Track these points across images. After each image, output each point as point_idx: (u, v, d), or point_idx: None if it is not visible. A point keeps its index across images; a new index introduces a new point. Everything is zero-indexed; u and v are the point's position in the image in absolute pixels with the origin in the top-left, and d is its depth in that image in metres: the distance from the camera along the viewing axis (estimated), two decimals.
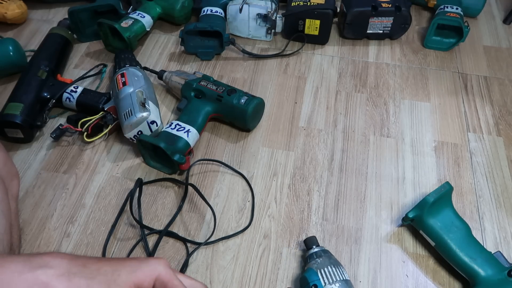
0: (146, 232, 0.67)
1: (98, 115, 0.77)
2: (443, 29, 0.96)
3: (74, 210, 0.70)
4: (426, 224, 0.62)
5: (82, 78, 0.87)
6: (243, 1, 0.92)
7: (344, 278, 0.55)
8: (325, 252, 0.58)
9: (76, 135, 0.80)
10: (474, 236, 0.62)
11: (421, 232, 0.64)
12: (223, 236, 0.66)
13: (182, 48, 0.96)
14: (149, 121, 0.72)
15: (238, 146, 0.79)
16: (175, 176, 0.74)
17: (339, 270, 0.55)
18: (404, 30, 0.97)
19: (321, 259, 0.57)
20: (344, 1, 0.96)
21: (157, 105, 0.78)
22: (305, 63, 0.94)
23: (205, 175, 0.74)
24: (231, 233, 0.67)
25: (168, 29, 1.02)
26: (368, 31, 0.96)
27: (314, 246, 0.60)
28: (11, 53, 0.85)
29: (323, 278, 0.54)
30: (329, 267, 0.55)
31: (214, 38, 0.92)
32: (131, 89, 0.76)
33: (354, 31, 0.97)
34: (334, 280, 0.54)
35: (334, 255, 0.60)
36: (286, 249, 0.66)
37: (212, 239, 0.66)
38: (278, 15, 0.94)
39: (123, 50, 0.89)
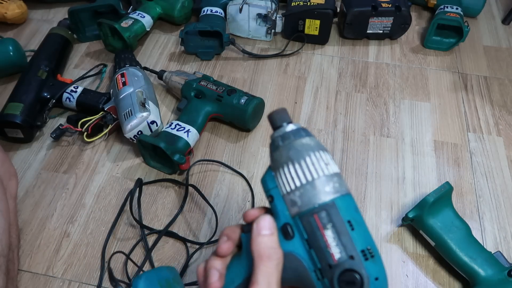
0: (146, 232, 0.67)
1: (98, 115, 0.77)
2: (443, 29, 0.96)
3: (74, 210, 0.70)
4: (426, 224, 0.62)
5: (82, 78, 0.88)
6: (243, 1, 0.92)
7: (307, 181, 0.32)
8: (286, 137, 0.34)
9: (76, 135, 0.80)
10: (474, 236, 0.62)
11: (421, 232, 0.64)
12: None
13: (182, 48, 0.96)
14: (149, 121, 0.72)
15: (238, 146, 0.79)
16: (175, 177, 0.74)
17: (303, 167, 0.32)
18: (404, 30, 0.97)
19: (278, 151, 0.34)
20: (344, 1, 0.95)
21: (157, 105, 0.78)
22: (305, 63, 0.94)
23: (205, 175, 0.74)
24: None
25: (168, 29, 1.02)
26: (368, 31, 0.96)
27: (282, 124, 0.35)
28: (11, 53, 0.85)
29: (280, 185, 0.33)
30: (286, 165, 0.33)
31: (214, 38, 0.92)
32: (131, 89, 0.76)
33: (354, 31, 0.97)
34: (293, 187, 0.32)
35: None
36: None
37: (213, 239, 0.66)
38: (278, 15, 0.94)
39: (123, 50, 0.89)
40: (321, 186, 0.31)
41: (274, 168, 0.34)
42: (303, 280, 0.32)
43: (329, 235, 0.31)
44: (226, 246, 0.35)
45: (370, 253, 0.30)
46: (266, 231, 0.32)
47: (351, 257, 0.30)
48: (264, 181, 0.35)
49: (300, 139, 0.33)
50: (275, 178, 0.34)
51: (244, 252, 0.35)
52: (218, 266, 0.35)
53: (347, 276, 0.30)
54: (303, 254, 0.32)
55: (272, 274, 0.31)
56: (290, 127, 0.34)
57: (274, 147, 0.35)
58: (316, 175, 0.32)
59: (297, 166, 0.32)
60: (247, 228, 0.35)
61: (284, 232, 0.33)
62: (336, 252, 0.30)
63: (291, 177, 0.32)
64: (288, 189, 0.32)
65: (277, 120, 0.35)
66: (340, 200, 0.31)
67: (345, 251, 0.30)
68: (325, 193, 0.31)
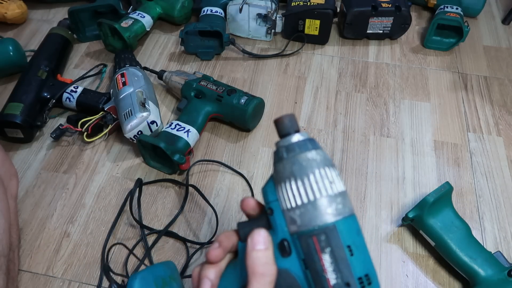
0: (146, 232, 0.67)
1: (98, 115, 0.77)
2: (443, 29, 0.96)
3: (74, 210, 0.70)
4: (426, 224, 0.62)
5: (82, 78, 0.88)
6: (243, 1, 0.92)
7: (309, 200, 0.30)
8: (290, 149, 0.32)
9: (76, 135, 0.80)
10: (474, 236, 0.62)
11: (421, 232, 0.64)
12: None
13: (182, 48, 0.96)
14: (149, 121, 0.72)
15: (238, 146, 0.79)
16: (175, 177, 0.74)
17: (306, 185, 0.30)
18: (404, 30, 0.97)
19: (281, 164, 0.32)
20: (344, 1, 0.96)
21: (157, 105, 0.78)
22: (305, 63, 0.94)
23: (205, 174, 0.74)
24: None
25: (168, 29, 1.02)
26: (368, 31, 0.96)
27: (289, 132, 0.33)
28: (11, 53, 0.85)
29: (281, 199, 0.32)
30: (289, 181, 0.31)
31: (214, 38, 0.92)
32: (131, 89, 0.76)
33: (354, 31, 0.97)
34: (294, 204, 0.31)
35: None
36: None
37: (213, 239, 0.66)
38: (278, 15, 0.94)
39: (123, 50, 0.89)
40: (323, 207, 0.30)
41: (276, 180, 0.32)
42: None
43: (326, 259, 0.29)
44: (215, 253, 0.34)
45: (368, 280, 0.29)
46: (260, 246, 0.31)
47: (347, 284, 0.29)
48: (265, 192, 0.33)
49: (305, 152, 0.31)
50: (276, 190, 0.32)
51: (239, 262, 0.33)
52: (210, 276, 0.34)
53: None
54: (299, 273, 0.31)
55: None
56: (296, 138, 0.32)
57: (278, 157, 0.32)
58: (319, 195, 0.30)
59: (299, 183, 0.30)
60: (244, 237, 0.33)
61: (281, 249, 0.31)
62: (332, 278, 0.29)
63: (292, 194, 0.31)
64: (289, 206, 0.31)
65: (284, 127, 0.32)
66: (342, 223, 0.30)
67: (341, 277, 0.29)
68: (327, 214, 0.30)
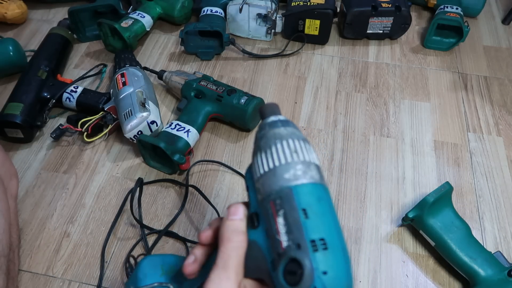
0: (146, 232, 0.67)
1: (98, 115, 0.77)
2: (443, 29, 0.96)
3: (74, 210, 0.70)
4: (426, 224, 0.62)
5: (82, 78, 0.88)
6: (243, 1, 0.92)
7: (269, 168, 0.31)
8: (262, 128, 0.34)
9: (76, 135, 0.80)
10: (474, 236, 0.62)
11: (421, 232, 0.64)
12: None
13: (182, 48, 0.96)
14: (149, 121, 0.72)
15: (238, 146, 0.79)
16: (176, 177, 0.74)
17: (268, 155, 0.32)
18: (404, 30, 0.97)
19: (255, 143, 0.35)
20: (344, 1, 0.96)
21: (157, 105, 0.78)
22: (305, 63, 0.94)
23: (205, 174, 0.74)
24: None
25: (168, 29, 1.02)
26: (368, 31, 0.96)
27: (269, 117, 0.35)
28: (11, 53, 0.85)
29: (252, 174, 0.34)
30: (256, 154, 0.33)
31: (214, 38, 0.92)
32: (131, 89, 0.76)
33: (354, 31, 0.97)
34: (259, 175, 0.32)
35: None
36: None
37: None
38: (278, 15, 0.94)
39: (123, 50, 0.89)
40: (281, 173, 0.30)
41: (253, 157, 0.34)
42: (262, 270, 0.30)
43: (280, 222, 0.29)
44: (205, 234, 0.36)
45: (324, 245, 0.28)
46: (235, 217, 0.33)
47: (298, 246, 0.28)
48: (245, 173, 0.35)
49: (273, 129, 0.33)
50: (251, 168, 0.34)
51: None
52: (197, 252, 0.36)
53: (291, 266, 0.28)
54: (263, 243, 0.31)
55: (230, 257, 0.31)
56: (270, 119, 0.34)
57: (255, 139, 0.35)
58: (278, 163, 0.31)
59: (263, 154, 0.32)
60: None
61: (250, 221, 0.32)
62: (284, 240, 0.29)
63: (257, 166, 0.32)
64: (256, 178, 0.32)
65: (263, 113, 0.35)
66: (300, 187, 0.30)
67: (292, 239, 0.28)
68: (284, 180, 0.30)
